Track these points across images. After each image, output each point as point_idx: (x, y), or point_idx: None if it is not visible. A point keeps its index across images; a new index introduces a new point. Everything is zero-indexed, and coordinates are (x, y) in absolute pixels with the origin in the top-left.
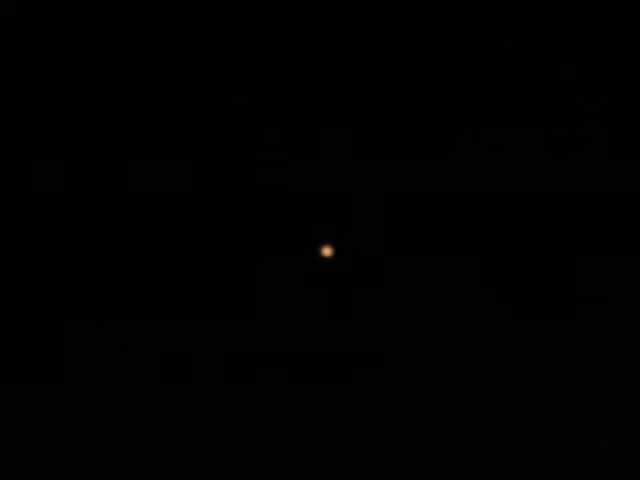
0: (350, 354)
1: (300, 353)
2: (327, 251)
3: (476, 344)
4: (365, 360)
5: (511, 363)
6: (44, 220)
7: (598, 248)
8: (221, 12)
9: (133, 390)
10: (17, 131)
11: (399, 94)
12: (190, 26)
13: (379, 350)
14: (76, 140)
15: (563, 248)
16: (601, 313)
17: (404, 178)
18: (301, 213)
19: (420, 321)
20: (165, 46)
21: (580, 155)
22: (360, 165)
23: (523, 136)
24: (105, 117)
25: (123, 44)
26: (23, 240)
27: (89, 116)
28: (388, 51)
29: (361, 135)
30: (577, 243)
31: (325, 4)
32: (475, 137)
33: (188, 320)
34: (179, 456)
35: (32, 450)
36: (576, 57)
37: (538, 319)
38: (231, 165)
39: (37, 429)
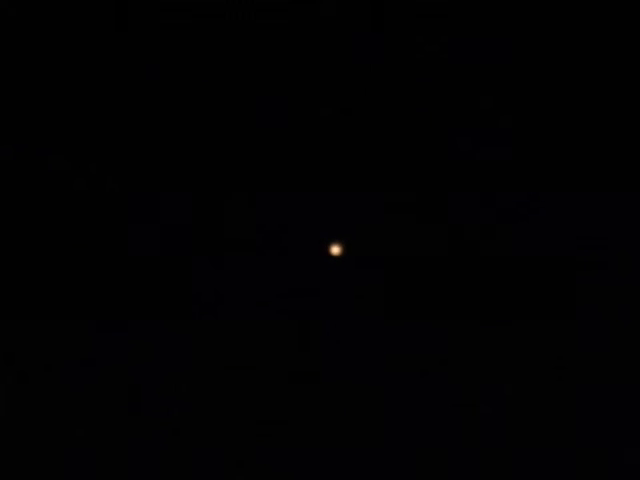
0: (354, 353)
1: (302, 352)
2: (336, 249)
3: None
4: (367, 360)
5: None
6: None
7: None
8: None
9: (131, 390)
10: (18, 129)
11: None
12: (190, 27)
13: (382, 350)
14: (75, 139)
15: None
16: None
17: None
18: (308, 211)
19: (421, 323)
20: (164, 45)
21: None
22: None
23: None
24: (104, 116)
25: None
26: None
27: (88, 115)
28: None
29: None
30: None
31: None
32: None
33: (190, 318)
34: (178, 456)
35: (31, 450)
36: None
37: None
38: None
39: (35, 428)
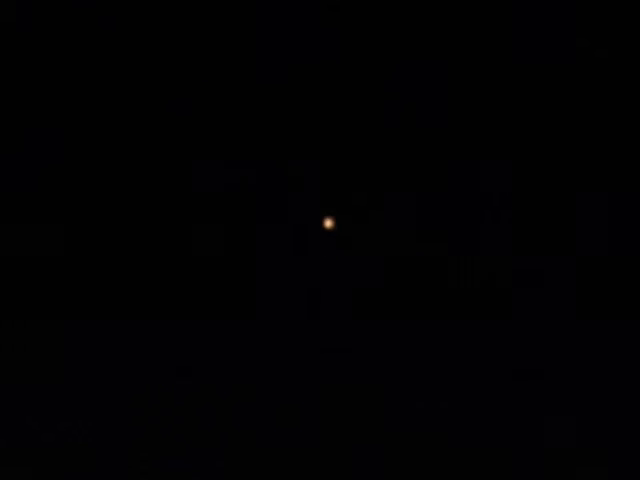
0: (348, 341)
1: (297, 341)
2: (329, 223)
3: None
4: (365, 343)
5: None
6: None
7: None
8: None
9: (131, 390)
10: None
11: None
12: (187, 28)
13: (378, 336)
14: (78, 141)
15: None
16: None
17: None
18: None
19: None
20: (163, 45)
21: None
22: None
23: None
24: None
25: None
26: None
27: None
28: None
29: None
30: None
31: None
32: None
33: (187, 315)
34: (177, 456)
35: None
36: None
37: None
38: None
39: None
